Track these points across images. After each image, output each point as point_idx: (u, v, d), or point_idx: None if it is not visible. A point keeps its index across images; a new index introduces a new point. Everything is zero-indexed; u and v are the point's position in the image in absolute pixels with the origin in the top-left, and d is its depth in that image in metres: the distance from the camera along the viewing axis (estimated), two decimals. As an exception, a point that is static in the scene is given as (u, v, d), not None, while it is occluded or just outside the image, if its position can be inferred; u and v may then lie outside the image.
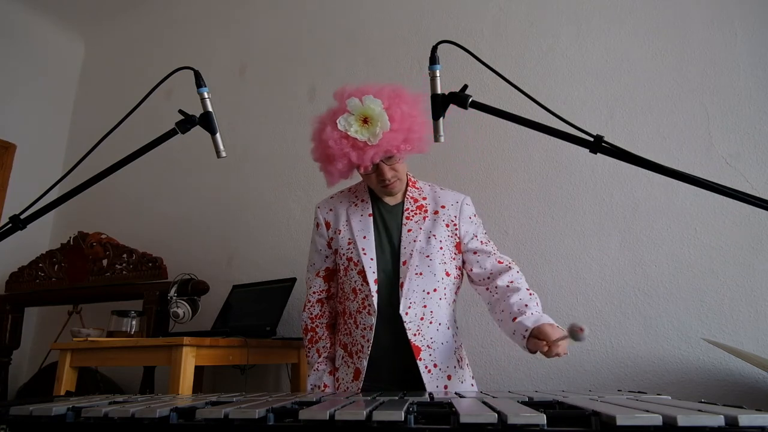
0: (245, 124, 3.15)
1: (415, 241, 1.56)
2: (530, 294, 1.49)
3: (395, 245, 1.58)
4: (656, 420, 0.62)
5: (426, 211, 1.62)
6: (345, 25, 2.94)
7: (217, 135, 1.27)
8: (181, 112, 1.26)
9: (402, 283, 1.52)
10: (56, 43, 4.02)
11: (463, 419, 0.67)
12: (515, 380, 2.10)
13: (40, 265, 3.10)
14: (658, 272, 1.95)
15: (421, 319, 1.52)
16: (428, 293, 1.53)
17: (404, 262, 1.54)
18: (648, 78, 2.11)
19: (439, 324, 1.54)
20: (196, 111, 1.28)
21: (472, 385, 1.61)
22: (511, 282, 1.52)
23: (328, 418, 0.71)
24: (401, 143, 1.45)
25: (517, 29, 2.42)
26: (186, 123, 1.24)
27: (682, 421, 0.61)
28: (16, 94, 3.71)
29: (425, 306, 1.53)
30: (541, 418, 0.65)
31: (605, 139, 1.06)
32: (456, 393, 1.18)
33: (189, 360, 1.97)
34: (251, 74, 3.24)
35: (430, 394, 1.15)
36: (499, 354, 2.14)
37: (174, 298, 2.44)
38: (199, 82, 1.25)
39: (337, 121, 1.46)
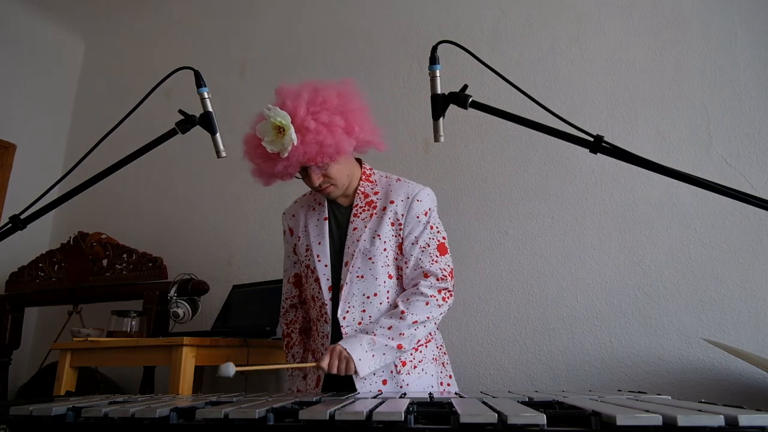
0: (245, 124, 3.15)
1: (358, 240, 1.47)
2: (399, 318, 1.40)
3: (343, 246, 1.51)
4: (656, 420, 0.62)
5: (375, 207, 1.51)
6: (345, 25, 2.94)
7: (217, 135, 1.27)
8: (181, 112, 1.26)
9: (342, 285, 1.46)
10: (56, 43, 4.02)
11: (463, 419, 0.67)
12: (515, 380, 2.09)
13: (40, 265, 3.10)
14: (658, 272, 1.95)
15: (359, 323, 1.45)
16: (368, 297, 1.46)
17: (346, 263, 1.47)
18: (648, 78, 2.11)
19: None
20: (196, 111, 1.28)
21: (448, 383, 1.53)
22: (406, 300, 1.44)
23: (328, 418, 0.71)
24: (315, 156, 1.36)
25: (517, 29, 2.42)
26: (186, 123, 1.24)
27: (682, 421, 0.61)
28: (16, 94, 3.71)
29: (364, 311, 1.45)
30: (541, 418, 0.65)
31: (605, 139, 1.06)
32: (456, 393, 1.18)
33: (189, 360, 1.97)
34: (251, 74, 3.24)
35: (430, 394, 1.15)
36: (499, 354, 2.14)
37: (174, 298, 2.44)
38: (199, 82, 1.25)
39: (256, 127, 1.37)
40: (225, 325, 2.48)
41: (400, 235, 1.49)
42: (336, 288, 1.48)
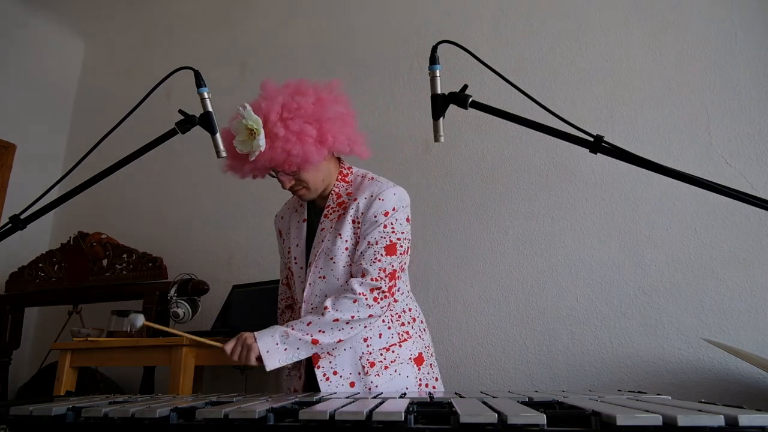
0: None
1: (322, 241, 1.45)
2: (321, 314, 1.34)
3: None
4: (656, 420, 0.62)
5: (345, 207, 1.47)
6: (345, 24, 2.94)
7: (217, 135, 1.27)
8: (181, 112, 1.26)
9: (304, 287, 1.45)
10: (56, 43, 4.01)
11: (463, 419, 0.67)
12: (515, 380, 2.09)
13: (40, 265, 3.10)
14: (658, 272, 1.95)
15: None
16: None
17: (310, 264, 1.45)
18: (648, 78, 2.11)
19: None
20: (196, 111, 1.28)
21: (433, 386, 1.50)
22: (335, 297, 1.37)
23: (328, 418, 0.71)
24: (282, 163, 1.34)
25: (517, 29, 2.42)
26: (186, 123, 1.24)
27: (682, 421, 0.61)
28: (16, 94, 3.70)
29: None
30: (541, 418, 0.65)
31: (605, 139, 1.06)
32: (456, 393, 1.18)
33: (189, 360, 1.97)
34: (251, 74, 3.24)
35: (430, 394, 1.15)
36: (499, 354, 2.14)
37: (174, 298, 2.44)
38: (199, 82, 1.25)
39: (231, 123, 1.35)
40: (225, 325, 2.48)
41: (357, 234, 1.44)
42: None
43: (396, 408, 0.73)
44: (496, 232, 2.26)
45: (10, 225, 1.16)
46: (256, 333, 1.34)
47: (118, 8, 3.85)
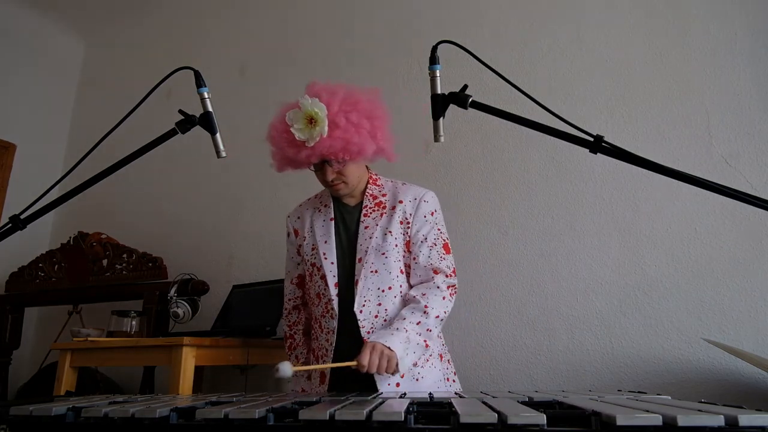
0: (245, 124, 3.15)
1: (371, 237, 1.54)
2: (423, 312, 1.45)
3: (353, 244, 1.57)
4: (656, 420, 0.62)
5: (384, 207, 1.59)
6: (345, 25, 2.94)
7: (217, 135, 1.27)
8: (181, 112, 1.26)
9: (357, 280, 1.51)
10: (56, 43, 4.01)
11: (463, 419, 0.67)
12: (515, 380, 2.09)
13: (40, 265, 3.10)
14: (658, 272, 1.95)
15: (375, 316, 1.50)
16: (383, 291, 1.52)
17: (359, 259, 1.53)
18: (648, 78, 2.11)
19: None
20: (196, 111, 1.27)
21: (453, 380, 1.58)
22: (423, 295, 1.49)
23: (328, 418, 0.71)
24: (339, 151, 1.43)
25: (517, 29, 2.42)
26: (186, 123, 1.24)
27: (682, 421, 0.61)
28: (16, 94, 3.70)
29: (380, 304, 1.51)
30: (541, 418, 0.65)
31: (605, 139, 1.06)
32: (456, 393, 1.18)
33: (189, 360, 1.97)
34: (251, 74, 3.24)
35: (430, 393, 1.15)
36: (498, 354, 2.14)
37: (174, 298, 2.44)
38: (199, 82, 1.25)
39: (286, 114, 1.45)
40: (225, 325, 2.48)
41: (407, 233, 1.57)
42: (343, 284, 1.53)
43: (396, 408, 0.73)
44: (496, 232, 2.26)
45: (10, 225, 1.15)
46: (383, 342, 1.36)
47: (118, 8, 3.84)
